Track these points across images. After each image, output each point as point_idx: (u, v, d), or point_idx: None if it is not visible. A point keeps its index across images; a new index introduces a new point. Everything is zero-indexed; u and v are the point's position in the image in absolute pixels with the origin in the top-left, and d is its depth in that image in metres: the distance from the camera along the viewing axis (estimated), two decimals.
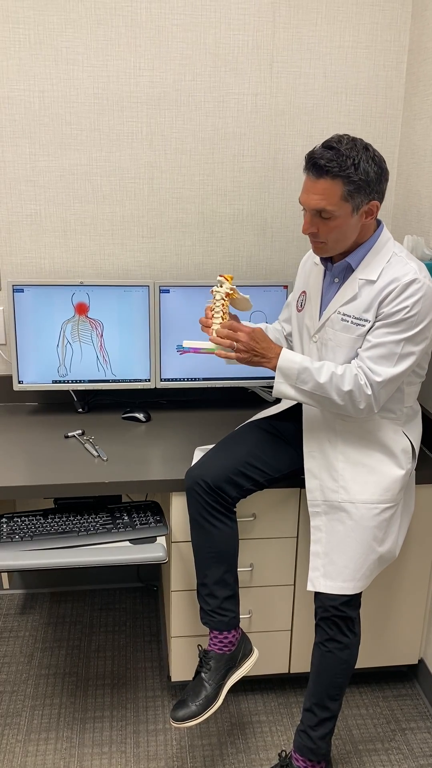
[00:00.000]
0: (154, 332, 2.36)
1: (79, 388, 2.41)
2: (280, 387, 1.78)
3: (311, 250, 1.99)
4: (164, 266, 2.48)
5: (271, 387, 1.81)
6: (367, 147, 1.66)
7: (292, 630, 2.18)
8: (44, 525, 1.98)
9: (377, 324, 1.72)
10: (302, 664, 2.20)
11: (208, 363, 2.36)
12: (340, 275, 1.82)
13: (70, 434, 2.23)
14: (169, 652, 2.24)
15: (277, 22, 2.29)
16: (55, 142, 2.31)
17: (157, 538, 1.95)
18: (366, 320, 1.73)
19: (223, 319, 1.79)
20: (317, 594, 1.86)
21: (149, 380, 2.41)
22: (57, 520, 2.01)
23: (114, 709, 2.22)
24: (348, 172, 1.62)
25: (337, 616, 1.82)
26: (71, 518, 2.01)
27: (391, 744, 2.13)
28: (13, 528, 1.97)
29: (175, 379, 2.42)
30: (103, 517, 2.02)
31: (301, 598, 2.14)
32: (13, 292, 2.28)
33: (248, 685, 2.29)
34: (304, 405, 1.88)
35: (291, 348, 2.03)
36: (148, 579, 2.81)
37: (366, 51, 2.35)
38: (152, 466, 2.06)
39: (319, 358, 1.84)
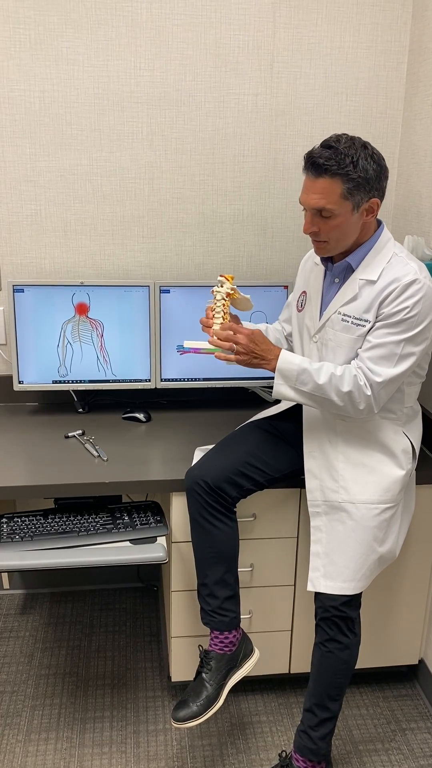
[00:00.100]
0: (155, 332, 2.36)
1: (79, 388, 2.41)
2: (280, 388, 1.78)
3: (312, 250, 1.99)
4: (164, 266, 2.48)
5: (271, 387, 1.81)
6: (365, 145, 1.67)
7: (292, 630, 2.18)
8: (44, 525, 1.98)
9: (377, 324, 1.72)
10: (302, 664, 2.20)
11: (208, 363, 2.36)
12: (340, 275, 1.82)
13: (70, 434, 2.23)
14: (169, 652, 2.24)
15: (278, 23, 2.29)
16: (56, 142, 2.31)
17: (158, 538, 1.95)
18: (366, 320, 1.73)
19: (224, 320, 1.79)
20: (317, 594, 1.86)
21: (149, 380, 2.41)
22: (57, 520, 2.01)
23: (114, 710, 2.22)
24: (347, 169, 1.63)
25: (338, 617, 1.82)
26: (71, 518, 2.01)
27: (391, 744, 2.13)
28: (14, 528, 1.97)
29: (176, 380, 2.42)
30: (103, 517, 2.02)
31: (301, 599, 2.14)
32: (14, 292, 2.28)
33: (248, 685, 2.29)
34: (304, 405, 1.88)
35: (291, 348, 2.03)
36: (149, 579, 2.81)
37: (366, 51, 2.35)
38: (152, 466, 2.06)
39: (320, 358, 1.84)
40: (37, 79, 2.25)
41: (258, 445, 1.94)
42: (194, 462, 1.97)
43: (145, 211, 2.42)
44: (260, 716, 2.21)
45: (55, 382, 2.38)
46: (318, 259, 1.89)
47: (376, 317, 1.72)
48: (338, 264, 1.81)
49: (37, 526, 1.98)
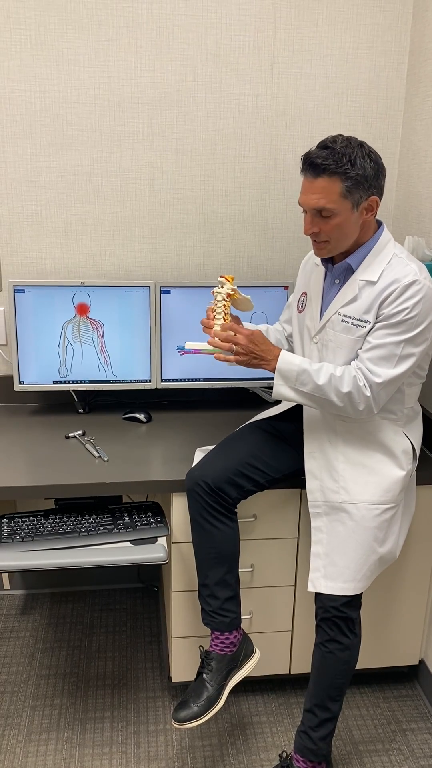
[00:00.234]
0: (155, 333, 2.36)
1: (79, 389, 2.41)
2: (280, 389, 1.78)
3: (311, 252, 1.99)
4: (165, 267, 2.48)
5: (272, 387, 1.81)
6: (361, 144, 1.68)
7: (292, 631, 2.18)
8: (45, 525, 1.98)
9: (377, 325, 1.72)
10: (303, 664, 2.20)
11: (209, 364, 2.35)
12: (340, 276, 1.82)
13: (70, 435, 2.24)
14: (169, 652, 2.24)
15: (278, 23, 2.29)
16: (56, 143, 2.31)
17: (158, 538, 1.95)
18: (366, 321, 1.73)
19: (224, 320, 1.79)
20: (318, 595, 1.86)
21: (150, 381, 2.41)
22: (58, 520, 2.01)
23: (114, 710, 2.22)
24: (345, 168, 1.63)
25: (338, 617, 1.82)
26: (72, 519, 2.01)
27: (391, 745, 2.13)
28: (14, 528, 1.97)
29: (176, 380, 2.42)
30: (103, 517, 2.02)
31: (301, 599, 2.14)
32: (14, 292, 2.28)
33: (249, 685, 2.29)
34: (304, 406, 1.88)
35: (292, 349, 2.03)
36: (149, 579, 2.81)
37: (367, 52, 2.35)
38: (153, 467, 2.06)
39: (320, 359, 1.84)
40: (37, 80, 2.25)
41: (258, 446, 1.94)
42: (195, 462, 1.97)
43: (146, 212, 2.42)
44: (261, 717, 2.21)
45: (55, 382, 2.38)
46: (318, 260, 1.89)
47: (376, 318, 1.72)
48: (338, 265, 1.81)
49: (37, 526, 1.98)
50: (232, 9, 2.26)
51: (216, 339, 1.77)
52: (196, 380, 2.43)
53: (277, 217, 2.48)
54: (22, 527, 1.98)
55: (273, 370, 1.77)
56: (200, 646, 1.97)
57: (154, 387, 2.42)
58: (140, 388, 2.42)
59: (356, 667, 1.91)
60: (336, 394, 1.72)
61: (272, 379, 1.79)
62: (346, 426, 1.83)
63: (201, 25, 2.26)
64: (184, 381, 2.43)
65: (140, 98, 2.31)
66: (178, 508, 1.99)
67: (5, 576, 2.71)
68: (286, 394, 1.78)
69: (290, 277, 2.49)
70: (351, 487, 1.82)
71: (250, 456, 1.90)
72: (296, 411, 2.00)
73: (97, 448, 2.14)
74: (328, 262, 1.85)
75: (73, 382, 2.38)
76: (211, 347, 1.79)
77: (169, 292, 2.34)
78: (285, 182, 2.44)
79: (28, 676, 2.35)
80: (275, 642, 2.18)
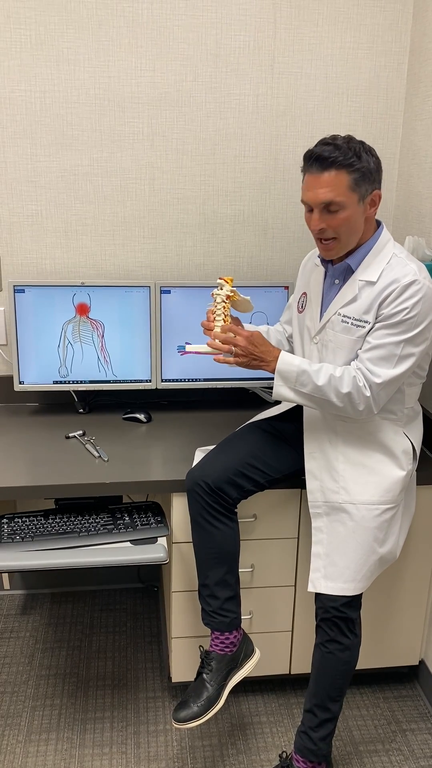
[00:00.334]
0: (155, 333, 2.36)
1: (80, 389, 2.41)
2: (280, 390, 1.78)
3: (311, 252, 1.99)
4: (165, 267, 2.48)
5: (272, 388, 1.81)
6: (360, 141, 1.70)
7: (292, 631, 2.18)
8: (45, 525, 1.98)
9: (377, 325, 1.72)
10: (303, 665, 2.20)
11: (209, 364, 2.35)
12: (340, 277, 1.82)
13: (70, 435, 2.23)
14: (169, 652, 2.24)
15: (278, 23, 2.29)
16: (57, 143, 2.31)
17: (158, 538, 1.95)
18: (366, 321, 1.73)
19: (224, 322, 1.79)
20: (318, 595, 1.86)
21: (150, 381, 2.41)
22: (58, 520, 2.01)
23: (114, 710, 2.22)
24: (351, 160, 1.65)
25: (338, 617, 1.82)
26: (72, 519, 2.01)
27: (391, 745, 2.13)
28: (14, 528, 1.97)
29: (176, 380, 2.42)
30: (103, 517, 2.02)
31: (301, 599, 2.14)
32: (14, 292, 2.28)
33: (249, 685, 2.29)
34: (304, 406, 1.88)
35: (292, 350, 2.03)
36: (149, 580, 2.81)
37: (367, 52, 2.35)
38: (153, 467, 2.06)
39: (320, 359, 1.84)
40: (38, 80, 2.25)
41: (258, 446, 1.94)
42: (195, 463, 1.97)
43: (146, 212, 2.42)
44: (261, 717, 2.21)
45: (55, 382, 2.38)
46: (318, 260, 1.89)
47: (376, 318, 1.72)
48: (338, 265, 1.81)
49: (37, 526, 1.98)
50: (232, 9, 2.26)
51: (216, 341, 1.77)
52: (196, 380, 2.43)
53: (278, 217, 2.48)
54: (22, 527, 1.98)
55: (273, 371, 1.77)
56: (200, 646, 1.97)
57: (154, 387, 2.42)
58: (140, 388, 2.42)
59: (356, 668, 1.91)
60: (336, 395, 1.72)
61: (272, 379, 1.79)
62: (346, 426, 1.83)
63: (201, 25, 2.26)
64: (184, 381, 2.43)
65: (140, 98, 2.31)
66: (178, 508, 1.99)
67: (5, 576, 2.71)
68: (285, 395, 1.78)
69: (290, 278, 2.49)
70: (351, 488, 1.82)
71: (250, 456, 1.90)
72: (296, 411, 2.00)
73: (97, 448, 2.14)
74: (328, 262, 1.85)
75: (73, 382, 2.38)
76: (210, 349, 1.79)
77: (169, 292, 2.34)
78: (285, 182, 2.44)
79: (28, 676, 2.34)
80: (275, 642, 2.18)
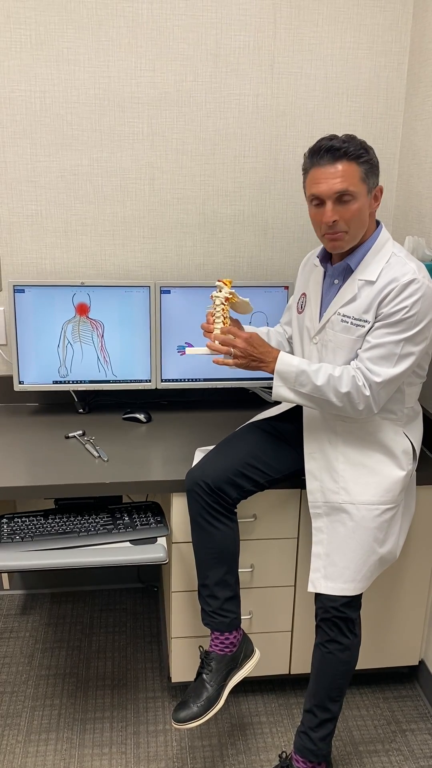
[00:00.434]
0: (155, 333, 2.36)
1: (79, 389, 2.41)
2: (279, 390, 1.78)
3: (310, 253, 2.00)
4: (165, 267, 2.48)
5: (272, 388, 1.81)
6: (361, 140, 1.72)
7: (292, 631, 2.18)
8: (45, 525, 1.98)
9: (376, 324, 1.72)
10: (303, 665, 2.19)
11: (209, 364, 2.36)
12: (339, 276, 1.82)
13: (70, 435, 2.23)
14: (169, 652, 2.24)
15: (278, 23, 2.29)
16: (56, 143, 2.31)
17: (158, 538, 1.95)
18: (366, 321, 1.73)
19: (224, 324, 1.79)
20: (318, 595, 1.86)
21: (150, 381, 2.41)
22: (57, 520, 2.01)
23: (114, 710, 2.21)
24: (361, 152, 1.67)
25: (338, 617, 1.82)
26: (72, 519, 2.01)
27: (391, 745, 2.13)
28: (14, 528, 1.97)
29: (176, 380, 2.42)
30: (103, 517, 2.02)
31: (301, 599, 2.14)
32: (14, 292, 2.28)
33: (249, 686, 2.29)
34: (304, 406, 1.88)
35: (292, 350, 2.03)
36: (149, 580, 2.81)
37: (367, 52, 2.35)
38: (153, 467, 2.06)
39: (320, 359, 1.84)
40: (38, 80, 2.25)
41: (258, 446, 1.94)
42: (195, 463, 1.97)
43: (146, 212, 2.42)
44: (260, 717, 2.21)
45: (55, 382, 2.38)
46: (317, 260, 1.89)
47: (375, 317, 1.72)
48: (337, 265, 1.81)
49: (37, 526, 1.98)
50: (232, 9, 2.26)
51: (216, 343, 1.77)
52: (196, 380, 2.43)
53: (277, 217, 2.48)
54: (22, 527, 1.98)
55: (272, 372, 1.77)
56: (200, 646, 1.97)
57: (154, 387, 2.42)
58: (140, 388, 2.42)
59: (356, 668, 1.91)
60: (335, 395, 1.72)
61: (272, 379, 1.79)
62: (346, 426, 1.83)
63: (201, 25, 2.26)
64: (184, 381, 2.43)
65: (140, 98, 2.31)
66: (178, 508, 1.99)
67: (5, 576, 2.71)
68: (285, 396, 1.78)
69: (290, 278, 2.49)
70: (351, 488, 1.82)
71: (250, 456, 1.90)
72: (296, 411, 2.00)
73: (97, 448, 2.14)
74: (327, 262, 1.85)
75: (73, 382, 2.38)
76: (209, 352, 1.79)
77: (169, 292, 2.34)
78: (285, 182, 2.44)
79: (27, 676, 2.34)
80: (275, 642, 2.18)
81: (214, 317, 1.81)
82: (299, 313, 1.95)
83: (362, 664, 2.17)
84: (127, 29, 2.24)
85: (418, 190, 2.30)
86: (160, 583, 2.77)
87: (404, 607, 2.20)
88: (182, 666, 2.16)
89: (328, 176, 1.67)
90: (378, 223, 1.80)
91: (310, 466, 1.89)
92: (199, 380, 2.43)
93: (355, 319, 1.75)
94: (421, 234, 2.25)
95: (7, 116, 2.27)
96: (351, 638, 1.85)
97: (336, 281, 1.82)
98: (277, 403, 2.14)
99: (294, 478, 1.96)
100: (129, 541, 1.94)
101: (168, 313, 2.35)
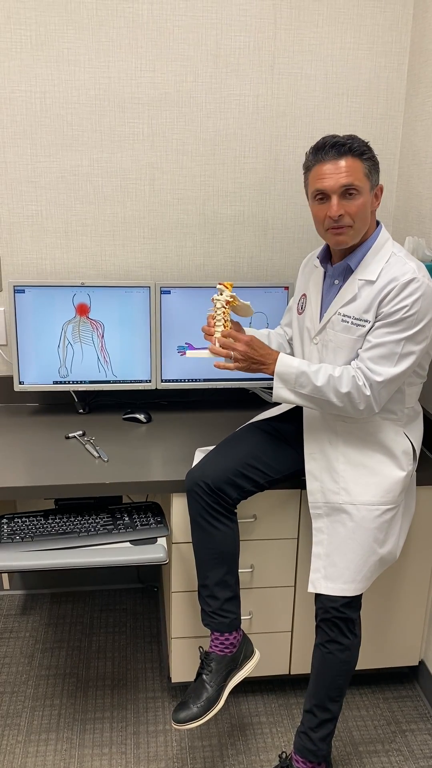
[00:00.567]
0: (155, 333, 2.36)
1: (79, 389, 2.41)
2: (279, 391, 1.78)
3: (310, 254, 2.00)
4: (165, 267, 2.48)
5: (272, 388, 1.81)
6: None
7: (292, 631, 2.18)
8: (45, 526, 1.98)
9: (377, 324, 1.72)
10: (303, 665, 2.19)
11: (209, 365, 2.36)
12: (339, 277, 1.82)
13: (70, 435, 2.24)
14: (169, 653, 2.24)
15: (279, 24, 2.29)
16: (57, 143, 2.31)
17: (158, 539, 1.95)
18: (366, 321, 1.73)
19: (225, 327, 1.79)
20: (318, 595, 1.86)
21: (150, 381, 2.41)
22: (57, 520, 2.01)
23: (114, 710, 2.21)
24: (364, 149, 1.70)
25: (338, 618, 1.82)
26: (72, 519, 2.01)
27: (391, 745, 2.13)
28: (14, 529, 1.97)
29: (176, 380, 2.42)
30: (103, 517, 2.02)
31: (301, 600, 2.14)
32: (14, 292, 2.29)
33: (248, 686, 2.29)
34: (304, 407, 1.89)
35: (292, 352, 2.03)
36: (149, 580, 2.81)
37: (367, 52, 2.35)
38: (153, 467, 2.06)
39: (320, 360, 1.84)
40: (38, 80, 2.25)
41: (258, 447, 1.94)
42: (195, 463, 1.97)
43: (146, 212, 2.42)
44: (260, 717, 2.21)
45: (55, 382, 2.38)
46: (317, 261, 1.89)
47: (376, 317, 1.72)
48: (337, 265, 1.81)
49: (37, 526, 1.98)
50: (233, 9, 2.26)
51: (217, 345, 1.77)
52: (196, 381, 2.43)
53: (278, 218, 2.48)
54: (22, 527, 1.98)
55: (272, 374, 1.77)
56: (200, 647, 1.97)
57: (154, 387, 2.42)
58: (140, 388, 2.42)
59: (356, 668, 1.91)
60: (335, 395, 1.72)
61: (272, 379, 1.79)
62: (346, 427, 1.83)
63: (201, 26, 2.26)
64: (184, 381, 2.43)
65: (140, 99, 2.31)
66: (178, 509, 1.99)
67: (5, 576, 2.71)
68: (286, 397, 1.78)
69: (290, 278, 2.49)
70: (351, 488, 1.82)
71: (250, 456, 1.90)
72: (296, 412, 2.00)
73: (97, 448, 2.14)
74: (327, 263, 1.85)
75: (73, 383, 2.38)
76: (210, 355, 1.80)
77: (169, 292, 2.34)
78: (285, 183, 2.44)
79: (27, 676, 2.34)
80: (275, 642, 2.18)
81: (215, 320, 1.81)
82: (299, 314, 1.95)
83: (362, 664, 2.17)
84: (127, 30, 2.24)
85: (418, 191, 2.30)
86: (160, 584, 2.77)
87: (404, 607, 2.20)
88: (182, 666, 2.16)
89: (333, 171, 1.68)
90: (378, 223, 1.81)
91: (310, 466, 1.89)
92: (199, 380, 2.43)
93: (355, 318, 1.75)
94: (421, 234, 2.25)
95: (8, 116, 2.27)
96: (351, 638, 1.85)
97: (336, 281, 1.83)
98: (277, 403, 2.14)
99: (294, 478, 1.96)
100: (129, 541, 1.94)
101: (168, 314, 2.35)
